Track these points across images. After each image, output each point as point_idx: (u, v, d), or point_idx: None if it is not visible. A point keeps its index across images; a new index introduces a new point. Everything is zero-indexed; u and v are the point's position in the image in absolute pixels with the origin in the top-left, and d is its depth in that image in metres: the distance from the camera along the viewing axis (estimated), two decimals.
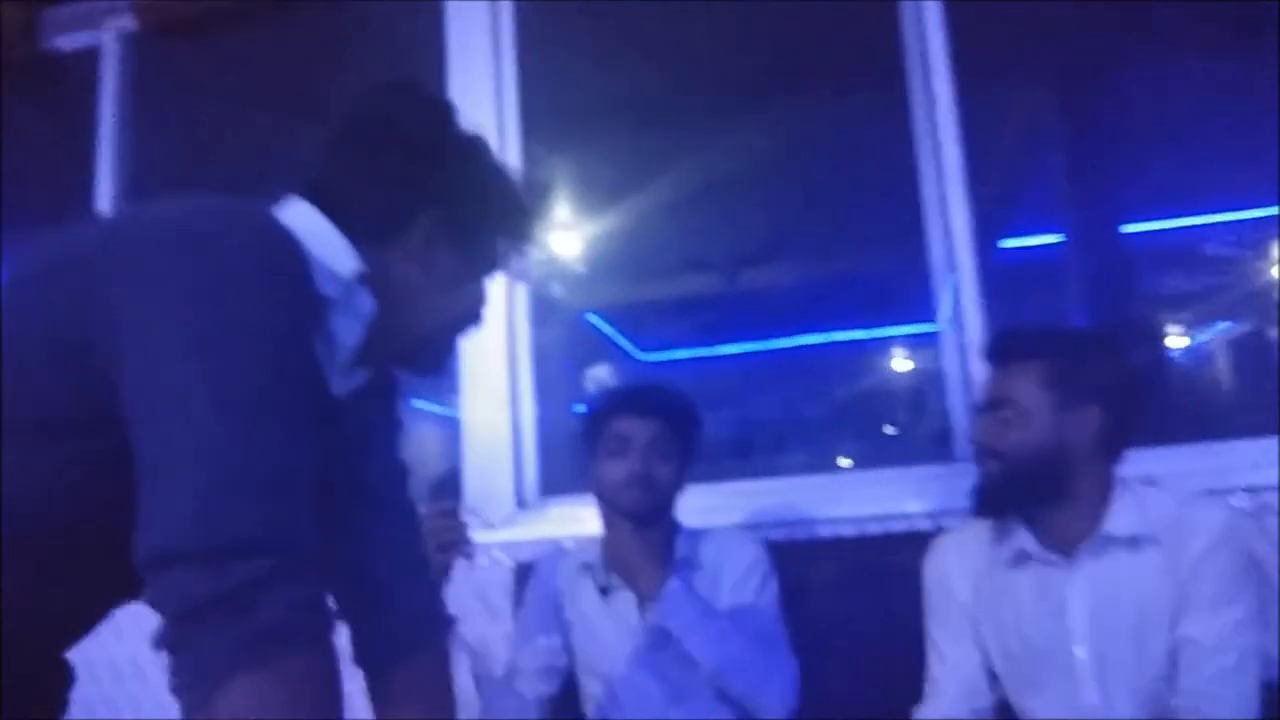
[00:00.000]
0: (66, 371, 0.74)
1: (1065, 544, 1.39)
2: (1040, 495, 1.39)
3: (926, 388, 5.75)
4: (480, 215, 0.98)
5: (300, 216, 0.88)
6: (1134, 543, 1.35)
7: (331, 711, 0.71)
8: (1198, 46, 3.46)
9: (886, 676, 1.69)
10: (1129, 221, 4.53)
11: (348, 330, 0.90)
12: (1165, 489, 1.42)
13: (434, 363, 1.03)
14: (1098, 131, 4.05)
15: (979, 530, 1.48)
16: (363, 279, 0.90)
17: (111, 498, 0.73)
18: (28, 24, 2.74)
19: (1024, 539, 1.41)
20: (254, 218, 0.81)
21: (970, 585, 1.47)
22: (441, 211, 0.94)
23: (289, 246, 0.79)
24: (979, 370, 2.03)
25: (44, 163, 3.17)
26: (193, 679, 0.65)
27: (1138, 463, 1.45)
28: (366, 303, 0.90)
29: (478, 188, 0.98)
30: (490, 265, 1.02)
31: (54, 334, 0.75)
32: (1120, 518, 1.37)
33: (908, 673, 1.63)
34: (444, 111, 0.99)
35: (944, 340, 2.14)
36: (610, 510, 1.66)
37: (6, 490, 0.74)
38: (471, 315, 1.02)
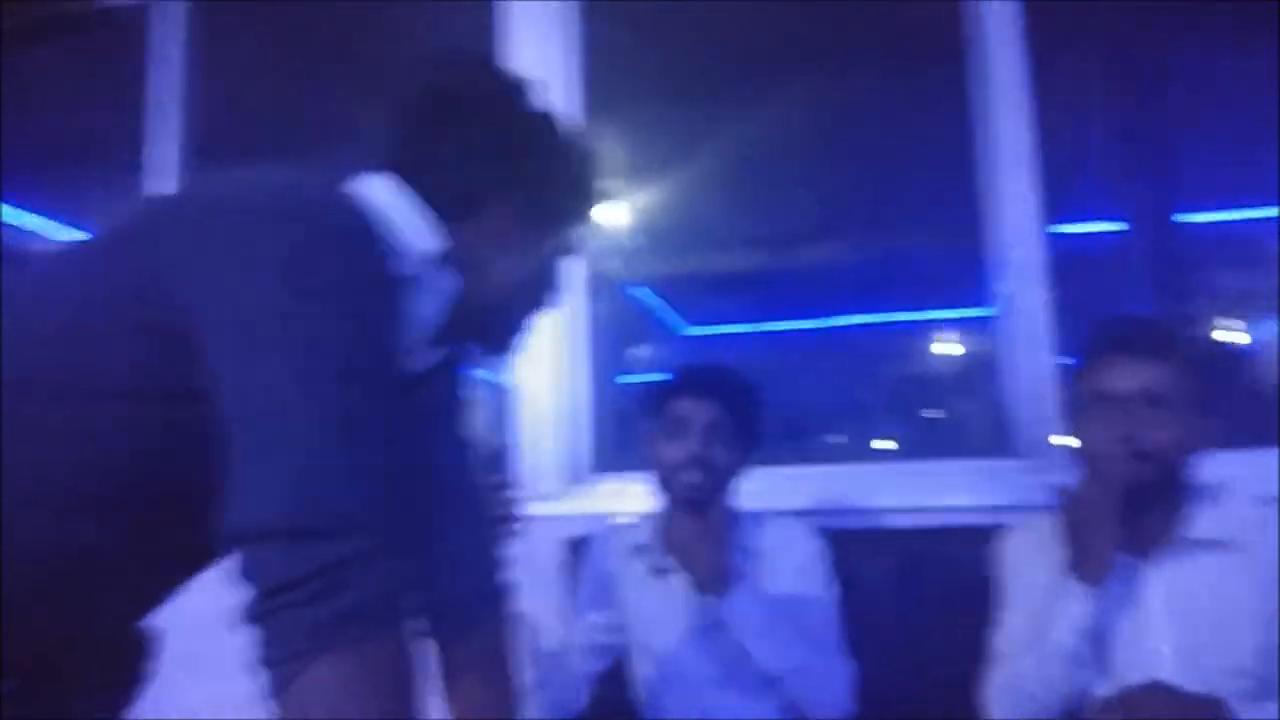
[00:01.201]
0: (145, 342, 0.76)
1: (1142, 546, 1.38)
2: (1161, 498, 1.37)
3: (977, 374, 5.68)
4: (557, 193, 0.99)
5: (380, 193, 0.89)
6: (1214, 545, 1.35)
7: (409, 695, 0.72)
8: (1266, 32, 3.35)
9: (938, 674, 1.68)
10: (1189, 210, 4.42)
11: (427, 308, 0.90)
12: (1233, 493, 1.40)
13: (509, 340, 1.04)
14: (1159, 116, 3.95)
15: (1051, 525, 1.46)
16: (444, 256, 0.90)
17: (187, 469, 0.75)
18: None
19: None
20: (334, 195, 0.81)
21: (1047, 576, 1.43)
22: (519, 190, 0.94)
23: (365, 225, 0.79)
24: (1036, 359, 2.00)
25: (93, 120, 3.21)
26: (278, 654, 0.67)
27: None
28: (448, 280, 0.91)
29: (555, 166, 0.98)
30: (564, 247, 1.02)
31: (133, 304, 0.77)
32: (1199, 521, 1.36)
33: (959, 670, 1.62)
34: (520, 88, 0.98)
35: (1001, 327, 2.11)
36: (666, 492, 1.66)
37: (86, 456, 0.76)
38: (547, 293, 1.02)
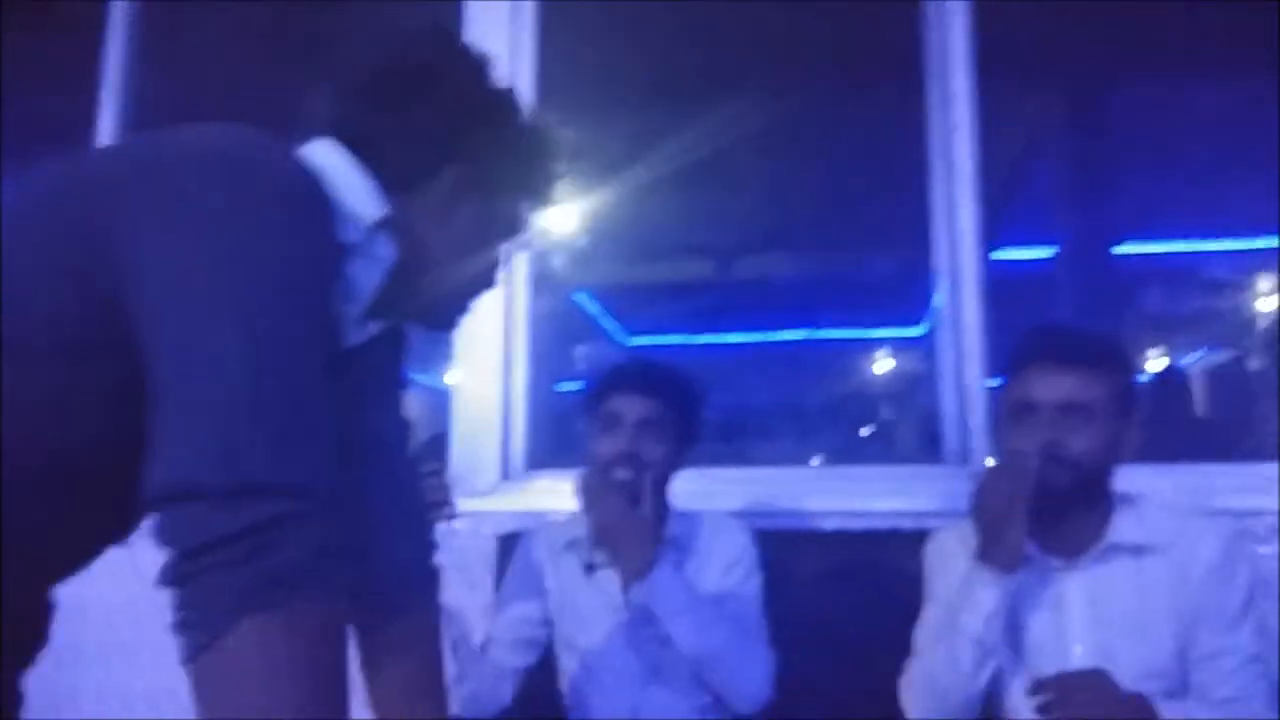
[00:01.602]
0: (78, 294, 0.72)
1: (1067, 550, 1.41)
2: (1081, 503, 1.40)
3: (905, 391, 5.78)
4: (508, 172, 0.97)
5: (324, 156, 0.87)
6: (1138, 551, 1.38)
7: (337, 659, 0.69)
8: (1208, 69, 3.47)
9: (863, 671, 1.70)
10: (1125, 241, 4.55)
11: (366, 277, 0.88)
12: (1157, 504, 1.43)
13: (446, 319, 1.02)
14: (1100, 147, 4.06)
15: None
16: (385, 225, 0.88)
17: (118, 426, 0.72)
18: None
19: (1028, 546, 1.39)
20: (276, 150, 0.79)
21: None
22: (470, 165, 0.93)
23: (313, 183, 0.77)
24: (967, 371, 2.04)
25: (47, 99, 3.12)
26: (198, 617, 0.63)
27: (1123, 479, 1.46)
28: (387, 250, 0.89)
29: (509, 144, 0.96)
30: (511, 227, 1.00)
31: (65, 256, 0.73)
32: (1124, 527, 1.39)
33: (885, 669, 1.64)
34: (480, 63, 0.97)
35: (939, 342, 2.14)
36: (603, 484, 1.65)
37: (10, 413, 0.72)
38: (486, 276, 1.00)
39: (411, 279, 0.92)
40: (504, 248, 1.01)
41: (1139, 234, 4.74)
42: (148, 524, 0.67)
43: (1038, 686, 1.27)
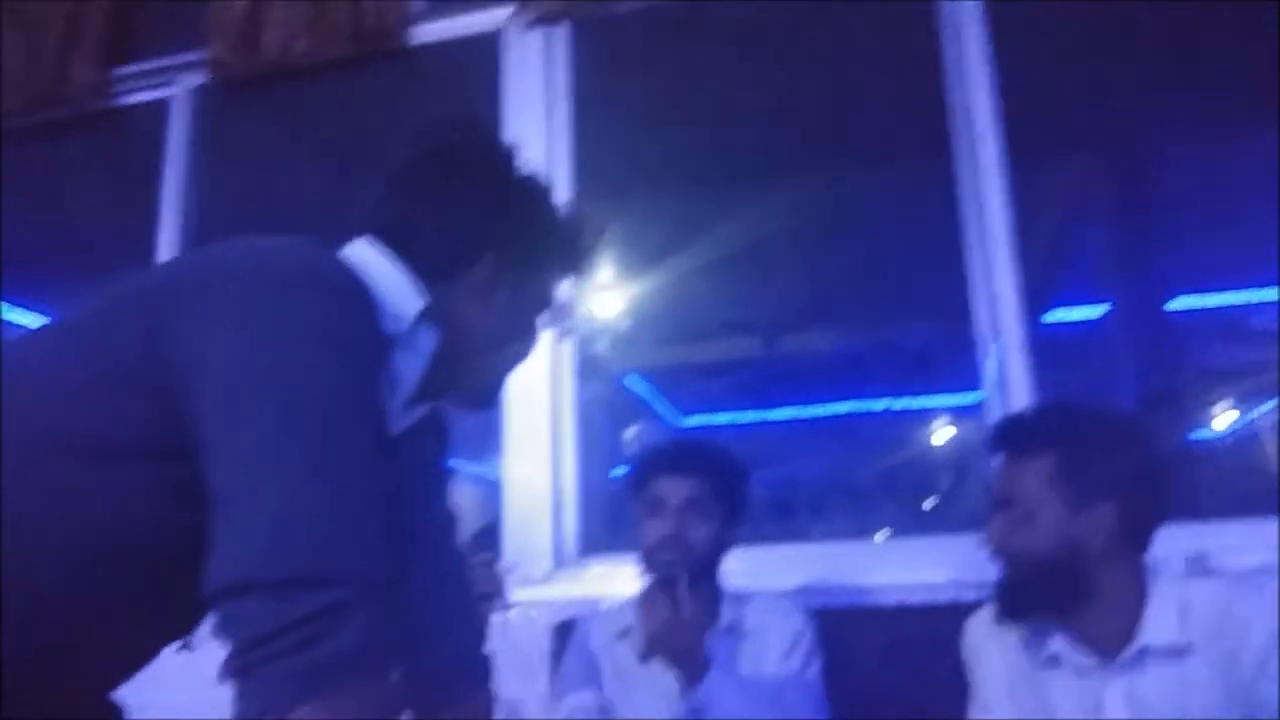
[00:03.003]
0: (138, 401, 0.76)
1: (1100, 647, 1.31)
2: (1059, 599, 1.32)
3: (968, 459, 5.67)
4: (541, 254, 1.01)
5: (364, 255, 0.91)
6: (1176, 653, 1.26)
7: None
8: (1246, 120, 3.46)
9: None
10: (1176, 295, 4.49)
11: (409, 367, 0.92)
12: (1208, 574, 1.36)
13: (487, 397, 1.06)
14: (1145, 204, 4.04)
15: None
16: (424, 317, 0.91)
17: (177, 528, 0.75)
18: (100, 82, 2.84)
19: (1057, 642, 1.33)
20: (322, 256, 0.83)
21: (1005, 674, 1.39)
22: (505, 250, 0.97)
23: (356, 284, 0.81)
24: None
25: (109, 214, 3.27)
26: (257, 707, 0.66)
27: (1181, 539, 1.40)
28: (429, 339, 0.92)
29: (540, 227, 1.01)
30: (546, 302, 1.04)
31: (126, 364, 0.77)
32: (1159, 624, 1.27)
33: None
34: (508, 152, 1.02)
35: (988, 411, 2.12)
36: (648, 572, 1.65)
37: (72, 517, 0.76)
38: (525, 350, 1.04)
39: (454, 364, 0.96)
40: (540, 323, 1.04)
41: (1191, 288, 4.67)
42: (208, 625, 0.70)
43: None
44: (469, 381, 1.01)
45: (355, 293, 0.81)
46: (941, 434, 6.16)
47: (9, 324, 3.95)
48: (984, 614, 1.46)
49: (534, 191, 1.02)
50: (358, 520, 0.72)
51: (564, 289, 1.07)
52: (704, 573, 1.63)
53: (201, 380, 0.74)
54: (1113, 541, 1.30)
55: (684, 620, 1.55)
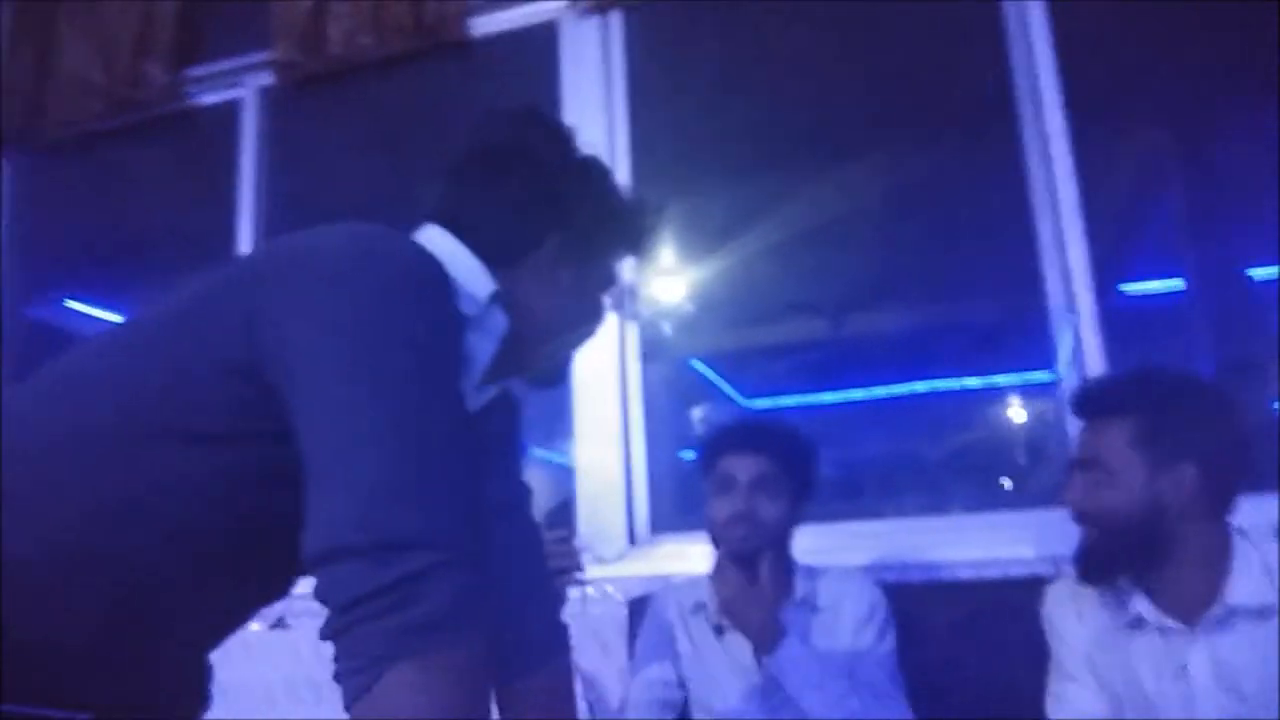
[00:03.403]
0: (237, 385, 0.80)
1: (1184, 610, 1.31)
2: (1142, 559, 1.32)
3: (1041, 438, 5.58)
4: (603, 235, 1.04)
5: (436, 242, 0.95)
6: (1263, 614, 1.26)
7: (482, 699, 0.74)
8: None
9: None
10: (1254, 263, 4.35)
11: (481, 347, 0.95)
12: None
13: (555, 376, 1.10)
14: (1218, 170, 3.92)
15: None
16: (495, 299, 0.95)
17: (274, 507, 0.79)
18: (172, 84, 2.93)
19: (1140, 604, 1.33)
20: (404, 240, 0.87)
21: (1088, 639, 1.40)
22: (567, 233, 1.00)
23: (435, 266, 0.85)
24: None
25: (184, 215, 3.38)
26: (354, 666, 0.69)
27: (1265, 509, 1.38)
28: (500, 321, 0.96)
29: (601, 209, 1.03)
30: (609, 280, 1.07)
31: (225, 349, 0.81)
32: (1244, 585, 1.27)
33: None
34: (567, 136, 1.04)
35: (1063, 385, 2.09)
36: (718, 549, 1.67)
37: (179, 495, 0.80)
38: (590, 329, 1.07)
39: (523, 345, 0.99)
40: (605, 303, 1.08)
41: (1269, 256, 4.52)
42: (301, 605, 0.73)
43: None
44: (537, 361, 1.05)
45: (436, 275, 0.84)
46: (1013, 412, 6.06)
47: (91, 323, 4.10)
48: (1063, 582, 1.47)
49: (594, 174, 1.05)
50: (445, 489, 0.74)
51: (627, 272, 1.10)
52: (775, 548, 1.64)
53: (295, 361, 0.77)
54: (1195, 503, 1.30)
55: (757, 593, 1.57)
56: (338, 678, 0.70)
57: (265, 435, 0.79)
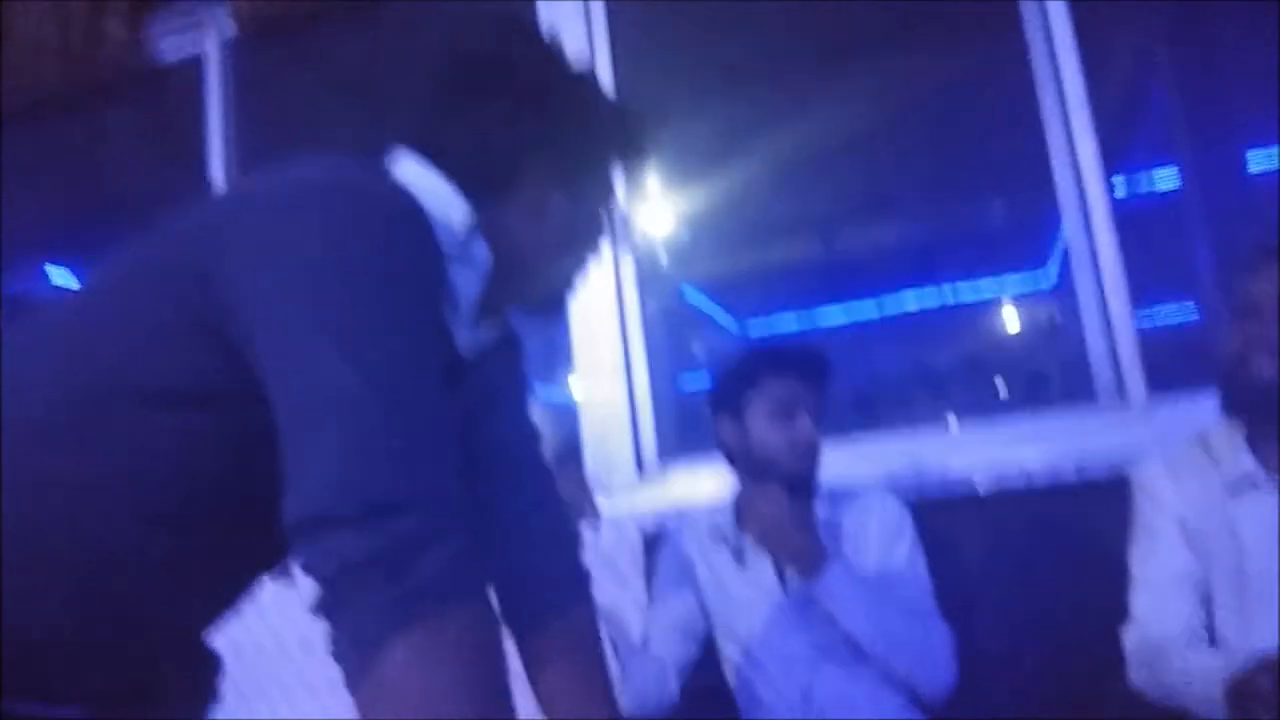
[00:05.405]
0: (200, 346, 0.73)
1: None
2: None
3: (1043, 341, 5.54)
4: (593, 154, 0.94)
5: (409, 171, 0.85)
6: None
7: (495, 665, 0.68)
8: None
9: (1036, 634, 1.62)
10: (1252, 154, 4.27)
11: (466, 283, 0.86)
12: None
13: (553, 305, 1.00)
14: (1211, 59, 3.82)
15: (1192, 454, 1.42)
16: (476, 229, 0.86)
17: (250, 469, 0.72)
18: (132, 41, 2.80)
19: (1248, 463, 1.34)
20: (368, 172, 0.78)
21: (1184, 502, 1.40)
22: (555, 153, 0.90)
23: (408, 198, 0.76)
24: (1119, 308, 1.93)
25: (153, 174, 3.27)
26: (352, 642, 0.63)
27: None
28: (483, 254, 0.86)
29: (589, 127, 0.93)
30: (605, 202, 0.97)
31: (184, 309, 0.73)
32: None
33: (1058, 628, 1.56)
34: (550, 48, 0.94)
35: (1078, 280, 2.03)
36: (763, 475, 1.61)
37: (145, 464, 0.73)
38: (588, 255, 0.97)
39: (512, 274, 0.90)
40: (603, 225, 0.98)
41: (1267, 145, 4.43)
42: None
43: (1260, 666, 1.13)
44: (533, 292, 0.96)
45: (407, 208, 0.75)
46: (1013, 318, 6.02)
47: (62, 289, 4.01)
48: (1155, 459, 1.47)
49: (579, 90, 0.94)
50: (432, 445, 0.68)
51: (621, 199, 1.00)
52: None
53: (259, 314, 0.70)
54: None
55: (797, 518, 1.52)
56: (335, 658, 0.64)
57: (234, 397, 0.72)
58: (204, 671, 0.90)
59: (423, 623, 0.63)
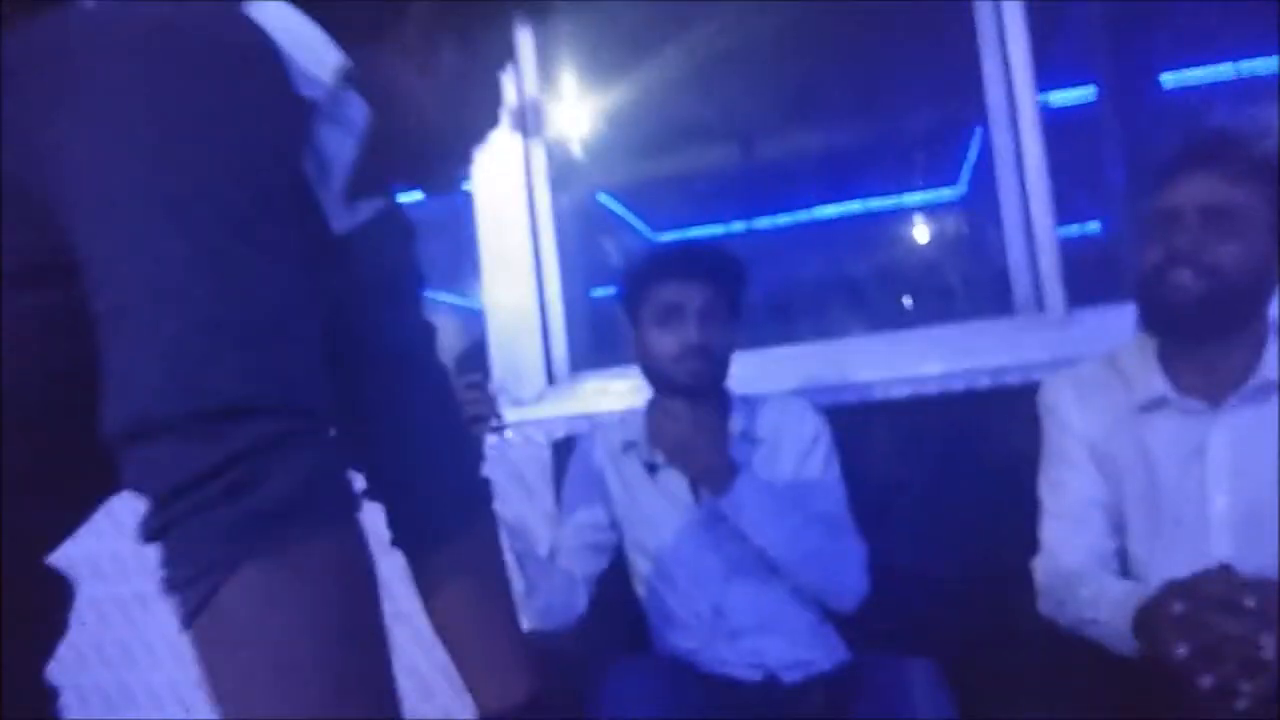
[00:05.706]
0: (7, 215, 0.59)
1: (1209, 390, 1.27)
2: (1228, 324, 1.26)
3: (953, 253, 5.58)
4: None
5: (266, 10, 0.69)
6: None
7: (362, 600, 0.57)
8: None
9: (951, 543, 1.61)
10: (1168, 70, 4.29)
11: (339, 146, 0.72)
12: None
13: (446, 179, 0.85)
14: None
15: (1099, 371, 1.38)
16: (350, 81, 0.71)
17: (71, 368, 0.59)
18: None
19: (1159, 384, 1.30)
20: (210, 7, 0.62)
21: (1093, 425, 1.36)
22: None
23: (254, 36, 0.62)
24: (1041, 218, 1.90)
25: None
26: (189, 572, 0.52)
27: None
28: (358, 111, 0.72)
29: None
30: (504, 55, 0.83)
31: None
32: (1277, 361, 1.24)
33: (973, 537, 1.55)
34: None
35: (1001, 187, 1.98)
36: (661, 384, 1.54)
37: None
38: (487, 118, 0.83)
39: (395, 140, 0.76)
40: (503, 81, 0.84)
41: (1186, 62, 4.46)
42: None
43: (1169, 593, 1.08)
44: (420, 162, 0.81)
45: (252, 46, 0.61)
46: (921, 231, 6.04)
47: None
48: (1063, 373, 1.42)
49: None
50: (283, 336, 0.55)
51: (530, 86, 0.86)
52: (720, 381, 1.53)
53: (69, 180, 0.56)
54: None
55: (704, 428, 1.45)
56: (166, 588, 0.53)
57: (45, 277, 0.59)
58: (43, 602, 0.78)
59: (272, 549, 0.52)
